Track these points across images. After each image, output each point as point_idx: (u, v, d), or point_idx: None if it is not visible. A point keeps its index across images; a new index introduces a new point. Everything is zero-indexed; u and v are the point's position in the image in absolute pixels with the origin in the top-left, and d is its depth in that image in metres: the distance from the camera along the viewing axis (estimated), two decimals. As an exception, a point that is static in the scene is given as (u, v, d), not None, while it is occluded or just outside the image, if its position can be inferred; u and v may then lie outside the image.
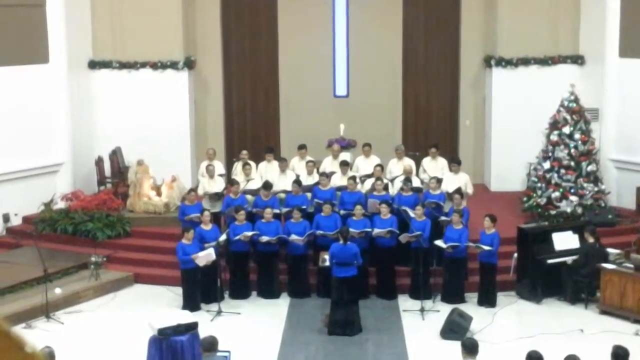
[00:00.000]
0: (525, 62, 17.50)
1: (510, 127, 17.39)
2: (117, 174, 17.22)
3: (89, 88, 17.85)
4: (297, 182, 14.17)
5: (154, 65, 17.83)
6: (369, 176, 14.58)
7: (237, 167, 15.07)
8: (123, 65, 17.93)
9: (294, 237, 13.16)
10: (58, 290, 12.90)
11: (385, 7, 18.56)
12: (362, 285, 12.86)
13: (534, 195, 15.29)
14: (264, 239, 13.17)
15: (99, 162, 17.28)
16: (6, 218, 15.99)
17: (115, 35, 17.86)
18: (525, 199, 15.56)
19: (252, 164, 14.90)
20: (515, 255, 13.35)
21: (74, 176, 17.10)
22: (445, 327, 11.73)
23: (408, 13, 18.67)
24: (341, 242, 12.01)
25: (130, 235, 15.37)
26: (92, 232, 15.14)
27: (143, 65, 17.87)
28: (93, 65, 17.98)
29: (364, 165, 14.99)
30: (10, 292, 13.16)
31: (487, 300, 12.85)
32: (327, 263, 12.36)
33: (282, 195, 14.28)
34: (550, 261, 13.01)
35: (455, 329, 11.58)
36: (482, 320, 12.13)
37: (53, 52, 16.71)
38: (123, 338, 11.72)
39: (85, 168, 17.38)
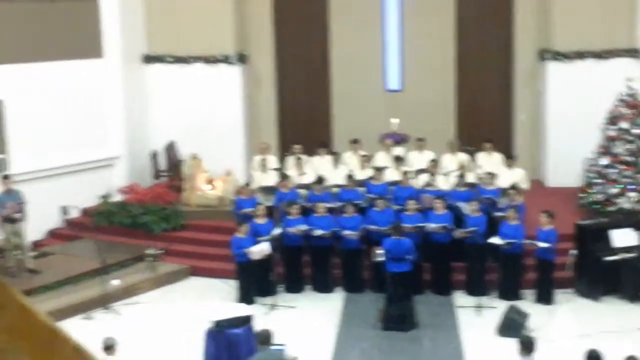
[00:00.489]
0: (581, 55, 17.22)
1: (566, 121, 17.13)
2: (171, 168, 17.39)
3: (143, 82, 18.03)
4: (350, 176, 14.16)
5: (207, 60, 17.93)
6: (422, 171, 14.51)
7: (290, 161, 15.12)
8: (177, 60, 18.06)
9: (347, 231, 13.15)
10: (115, 282, 13.08)
11: (438, 0, 18.42)
12: (416, 281, 12.81)
13: (592, 191, 15.07)
14: (318, 232, 13.19)
15: (154, 156, 17.48)
16: (65, 210, 16.25)
17: (169, 29, 17.99)
18: (582, 195, 15.34)
19: (305, 158, 14.93)
20: (573, 252, 13.17)
21: (130, 170, 17.32)
22: (501, 324, 11.62)
23: (461, 6, 18.51)
24: (395, 237, 11.97)
25: (185, 228, 15.53)
26: (149, 225, 15.32)
27: (196, 59, 17.98)
28: (147, 59, 18.15)
29: (418, 159, 14.93)
30: (69, 284, 13.41)
31: (545, 297, 12.70)
32: (381, 258, 12.34)
33: (335, 190, 14.28)
34: (607, 258, 12.81)
35: (512, 326, 11.47)
36: (539, 318, 11.98)
37: (107, 46, 16.94)
38: (180, 330, 11.85)
39: (140, 162, 17.58)
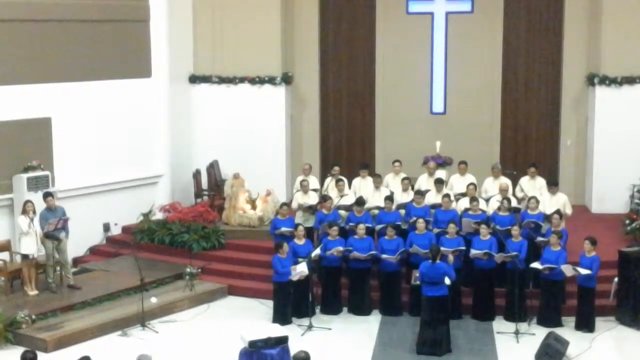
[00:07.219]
0: (630, 80, 16.96)
1: (613, 147, 16.86)
2: (213, 187, 17.51)
3: (188, 102, 18.25)
4: (390, 198, 14.07)
5: (252, 81, 18.09)
6: (463, 194, 14.36)
7: (330, 183, 15.08)
8: (222, 80, 18.27)
9: (385, 255, 13.05)
10: (154, 300, 13.13)
11: (485, 24, 18.32)
12: (453, 305, 12.60)
13: (638, 218, 14.75)
14: (356, 255, 13.10)
15: (197, 174, 17.62)
16: (106, 227, 16.46)
17: (216, 50, 18.22)
18: (627, 221, 15.04)
19: (345, 180, 14.88)
20: (616, 279, 12.89)
21: (172, 188, 17.50)
22: (540, 351, 11.40)
23: (509, 30, 18.37)
24: (430, 260, 11.80)
25: (224, 248, 15.59)
26: (188, 244, 15.42)
27: (242, 80, 18.16)
28: (193, 79, 18.38)
29: (459, 183, 14.77)
30: (108, 300, 13.53)
31: (585, 324, 12.45)
32: (417, 281, 12.21)
33: (375, 212, 14.19)
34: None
35: (551, 353, 11.25)
36: (579, 346, 11.75)
37: (155, 66, 17.19)
38: (215, 349, 11.85)
39: (183, 180, 17.74)
